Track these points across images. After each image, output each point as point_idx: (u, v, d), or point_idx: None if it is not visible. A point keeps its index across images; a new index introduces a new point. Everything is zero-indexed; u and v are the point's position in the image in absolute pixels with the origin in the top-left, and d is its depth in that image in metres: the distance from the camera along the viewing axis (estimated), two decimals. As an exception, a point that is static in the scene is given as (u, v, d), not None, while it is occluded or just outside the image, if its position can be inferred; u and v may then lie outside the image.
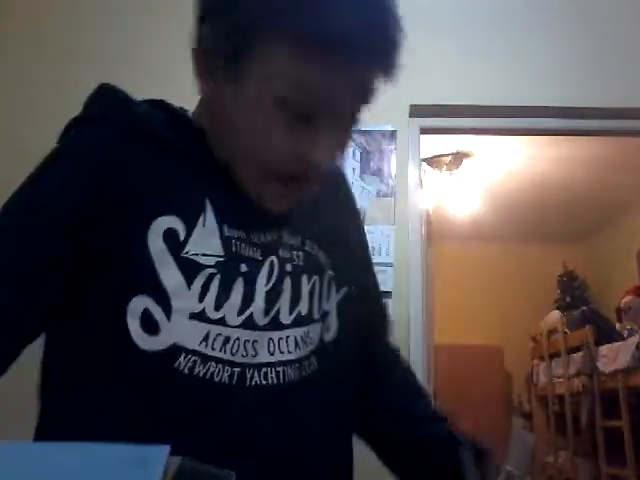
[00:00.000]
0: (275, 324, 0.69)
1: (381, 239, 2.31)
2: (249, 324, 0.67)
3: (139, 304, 0.64)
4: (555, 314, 5.14)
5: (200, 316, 0.65)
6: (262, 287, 0.69)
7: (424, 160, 3.21)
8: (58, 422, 0.66)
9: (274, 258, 0.71)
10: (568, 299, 5.77)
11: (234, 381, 0.65)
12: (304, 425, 0.70)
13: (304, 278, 0.74)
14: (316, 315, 0.75)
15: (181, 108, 0.77)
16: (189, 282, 0.65)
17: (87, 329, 0.66)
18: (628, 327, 4.25)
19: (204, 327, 0.65)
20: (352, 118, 0.69)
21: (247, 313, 0.67)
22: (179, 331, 0.64)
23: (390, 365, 0.92)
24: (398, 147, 2.40)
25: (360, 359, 0.82)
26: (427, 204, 3.01)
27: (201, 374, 0.64)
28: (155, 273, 0.64)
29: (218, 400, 0.64)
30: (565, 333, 4.63)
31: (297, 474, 0.68)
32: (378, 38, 0.64)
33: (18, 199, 0.68)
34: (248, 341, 0.67)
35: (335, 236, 0.82)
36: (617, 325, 4.49)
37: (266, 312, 0.69)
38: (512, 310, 5.75)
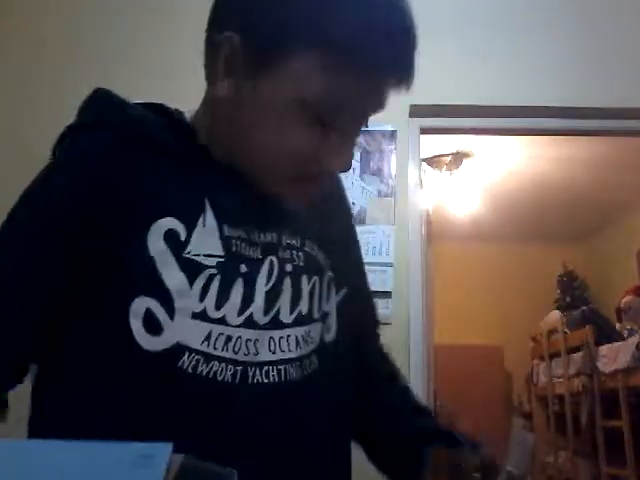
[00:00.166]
0: (276, 323, 0.70)
1: (381, 239, 2.31)
2: (250, 323, 0.68)
3: (141, 305, 0.64)
4: (555, 314, 5.14)
5: (202, 316, 0.65)
6: (262, 287, 0.70)
7: (424, 160, 3.22)
8: (56, 422, 0.66)
9: (274, 258, 0.72)
10: (568, 299, 5.77)
11: (237, 380, 0.65)
12: (305, 423, 0.70)
13: (304, 278, 0.74)
14: (316, 315, 0.75)
15: (176, 110, 0.78)
16: (191, 282, 0.66)
17: (88, 331, 0.67)
18: (628, 327, 4.25)
19: (206, 326, 0.65)
20: (363, 122, 0.72)
21: (247, 313, 0.68)
22: (182, 330, 0.64)
23: (379, 366, 0.93)
24: (398, 147, 2.40)
25: (354, 360, 0.83)
26: (427, 204, 3.01)
27: (204, 373, 0.64)
28: (157, 274, 0.65)
29: (221, 398, 0.65)
30: (565, 333, 4.63)
31: (298, 472, 0.69)
32: (403, 54, 0.68)
33: (18, 211, 0.69)
34: (250, 340, 0.67)
35: (333, 237, 0.83)
36: (617, 325, 4.49)
37: (266, 311, 0.69)
38: (512, 310, 5.75)
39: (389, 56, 0.66)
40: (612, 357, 3.96)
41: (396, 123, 2.39)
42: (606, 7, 2.50)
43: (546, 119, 2.48)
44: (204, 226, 0.68)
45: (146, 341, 0.64)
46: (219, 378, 0.64)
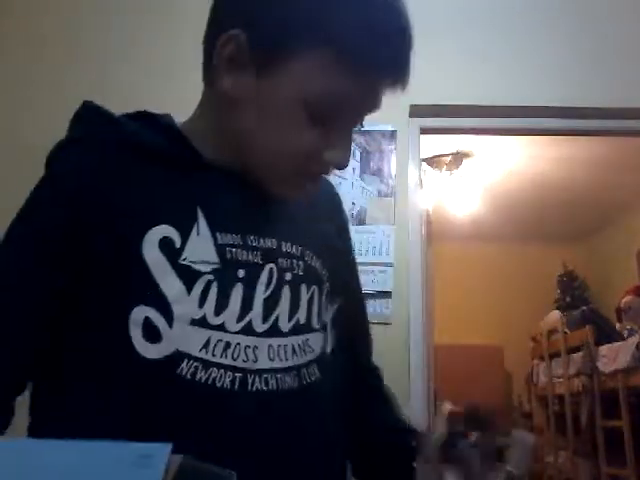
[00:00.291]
0: (274, 331, 0.70)
1: (381, 239, 2.31)
2: (248, 330, 0.68)
3: (140, 314, 0.64)
4: (555, 314, 5.13)
5: (201, 322, 0.66)
6: (260, 294, 0.70)
7: (424, 160, 3.22)
8: (56, 425, 0.66)
9: (273, 266, 0.72)
10: (568, 299, 5.77)
11: (236, 386, 0.65)
12: (303, 432, 0.70)
13: (303, 287, 0.75)
14: (316, 325, 0.76)
15: (165, 115, 0.78)
16: (189, 288, 0.66)
17: (89, 337, 0.67)
18: (628, 327, 4.24)
19: (205, 333, 0.65)
20: (360, 121, 0.74)
21: (246, 319, 0.68)
22: (181, 338, 0.65)
23: (369, 380, 0.93)
24: (398, 147, 2.40)
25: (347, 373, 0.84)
26: (427, 204, 3.01)
27: (203, 379, 0.64)
28: (154, 282, 0.65)
29: (220, 405, 0.65)
30: (565, 333, 4.63)
31: (294, 478, 0.69)
32: (400, 54, 0.70)
33: (14, 226, 0.71)
34: (249, 347, 0.67)
35: (331, 249, 0.83)
36: (617, 325, 4.49)
37: (264, 319, 0.70)
38: (512, 310, 5.75)
39: (388, 56, 0.68)
40: (612, 357, 3.96)
41: (396, 123, 2.39)
42: (606, 7, 2.50)
43: (546, 119, 2.48)
44: (198, 234, 0.68)
45: (145, 349, 0.64)
46: (218, 384, 0.64)
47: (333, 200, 0.93)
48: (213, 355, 0.65)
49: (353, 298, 0.92)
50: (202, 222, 0.69)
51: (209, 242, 0.69)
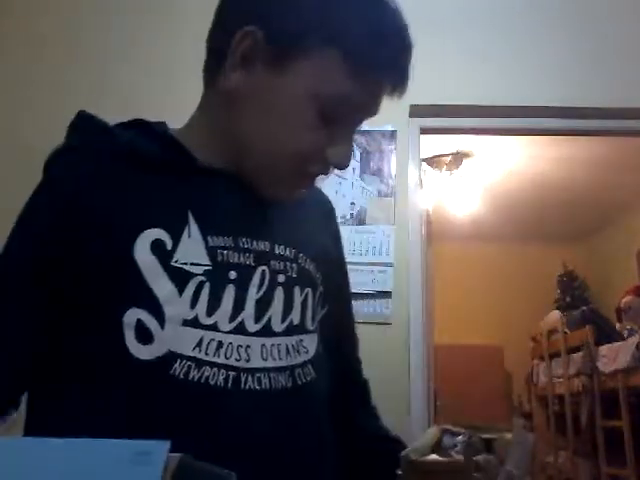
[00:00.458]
0: (266, 331, 0.71)
1: (381, 239, 2.31)
2: (240, 330, 0.69)
3: (133, 316, 0.66)
4: (555, 314, 5.13)
5: (193, 322, 0.66)
6: (253, 295, 0.71)
7: (424, 160, 3.22)
8: (52, 425, 0.66)
9: (266, 268, 0.73)
10: (568, 299, 5.77)
11: (229, 384, 0.66)
12: (298, 432, 0.71)
13: (297, 289, 0.76)
14: (310, 326, 0.77)
15: (158, 122, 0.79)
16: (180, 290, 0.67)
17: (85, 339, 0.68)
18: (628, 327, 4.24)
19: (197, 333, 0.66)
20: (360, 124, 0.76)
21: (238, 319, 0.69)
22: (173, 338, 0.65)
23: (352, 387, 0.93)
24: (398, 147, 2.40)
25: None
26: (427, 204, 3.01)
27: (196, 378, 0.65)
28: (146, 284, 0.66)
29: (214, 403, 0.65)
30: (565, 333, 4.63)
31: (290, 477, 0.69)
32: (405, 61, 0.73)
33: (13, 233, 0.72)
34: (241, 346, 0.68)
35: (325, 254, 0.85)
36: (617, 325, 4.48)
37: (257, 319, 0.70)
38: (512, 310, 5.75)
39: (389, 60, 0.70)
40: (612, 357, 3.96)
41: (396, 123, 2.39)
42: (606, 7, 2.50)
43: (546, 119, 2.48)
44: (189, 237, 0.69)
45: (138, 350, 0.65)
46: (211, 382, 0.65)
47: (326, 208, 0.95)
48: (206, 354, 0.66)
49: (343, 302, 0.93)
50: (193, 225, 0.70)
51: (200, 245, 0.69)
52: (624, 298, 4.53)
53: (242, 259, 0.71)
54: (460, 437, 0.68)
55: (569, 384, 4.45)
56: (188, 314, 0.66)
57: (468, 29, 2.48)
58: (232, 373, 0.66)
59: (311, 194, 0.91)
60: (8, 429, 0.68)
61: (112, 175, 0.72)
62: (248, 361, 0.68)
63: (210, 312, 0.67)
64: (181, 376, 0.64)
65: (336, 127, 0.72)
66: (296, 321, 0.74)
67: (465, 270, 5.84)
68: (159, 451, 0.29)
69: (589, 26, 2.49)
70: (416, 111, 2.41)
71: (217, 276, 0.69)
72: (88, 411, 0.65)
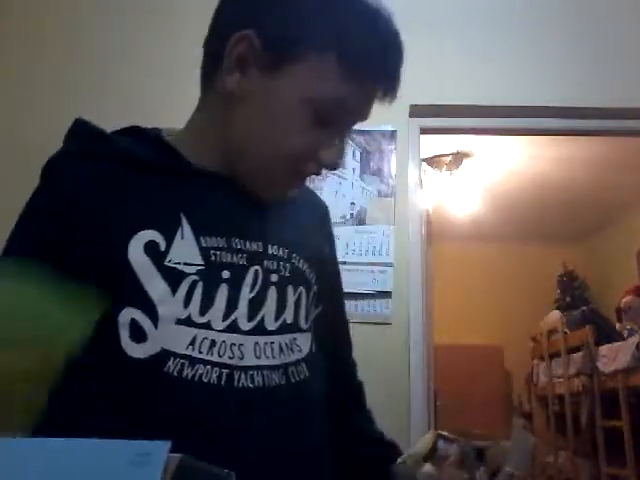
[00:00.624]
0: (260, 330, 0.72)
1: (381, 239, 2.31)
2: (233, 328, 0.70)
3: (127, 316, 0.67)
4: (555, 314, 5.13)
5: (186, 321, 0.67)
6: (246, 294, 0.72)
7: (424, 160, 3.22)
8: (49, 427, 0.66)
9: (258, 268, 0.74)
10: (568, 299, 5.77)
11: (222, 382, 0.67)
12: (291, 429, 0.71)
13: (290, 288, 0.77)
14: (304, 325, 0.78)
15: (153, 128, 0.81)
16: (174, 289, 0.68)
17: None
18: (628, 327, 4.25)
19: (190, 331, 0.67)
20: (352, 127, 0.78)
21: (232, 318, 0.70)
22: (166, 337, 0.67)
23: (349, 384, 0.94)
24: (398, 147, 2.40)
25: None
26: (427, 204, 3.01)
27: (189, 376, 0.66)
28: (140, 284, 0.67)
29: (208, 400, 0.66)
30: (565, 333, 4.63)
31: (287, 476, 0.70)
32: (397, 67, 0.75)
33: (13, 234, 0.73)
34: (234, 344, 0.69)
35: (319, 255, 0.86)
36: (617, 325, 4.49)
37: (250, 318, 0.71)
38: (512, 310, 5.74)
39: (382, 65, 0.73)
40: (612, 357, 3.96)
41: (396, 123, 2.39)
42: (606, 7, 2.50)
43: (546, 119, 2.48)
44: (182, 238, 0.71)
45: (132, 349, 0.66)
46: (205, 380, 0.66)
47: (321, 210, 0.95)
48: (199, 352, 0.67)
49: (337, 304, 0.94)
50: (186, 226, 0.71)
51: (193, 245, 0.71)
52: (624, 298, 4.53)
53: (235, 259, 0.72)
54: (454, 446, 0.69)
55: (569, 384, 4.45)
56: (181, 313, 0.67)
57: (468, 29, 2.48)
58: (225, 371, 0.67)
59: (305, 196, 0.92)
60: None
61: (110, 178, 0.73)
62: (242, 359, 0.69)
63: (203, 311, 0.68)
64: (175, 374, 0.65)
65: (329, 129, 0.73)
66: (289, 320, 0.75)
67: (465, 270, 5.84)
68: (159, 452, 0.29)
69: (589, 26, 2.49)
70: (416, 111, 2.40)
71: (210, 276, 0.70)
72: (85, 409, 0.66)
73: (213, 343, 0.67)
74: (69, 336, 0.64)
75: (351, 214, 2.32)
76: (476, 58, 2.44)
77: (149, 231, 0.69)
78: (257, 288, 0.73)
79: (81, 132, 0.78)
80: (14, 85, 2.44)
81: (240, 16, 0.74)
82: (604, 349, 4.12)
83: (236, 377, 0.68)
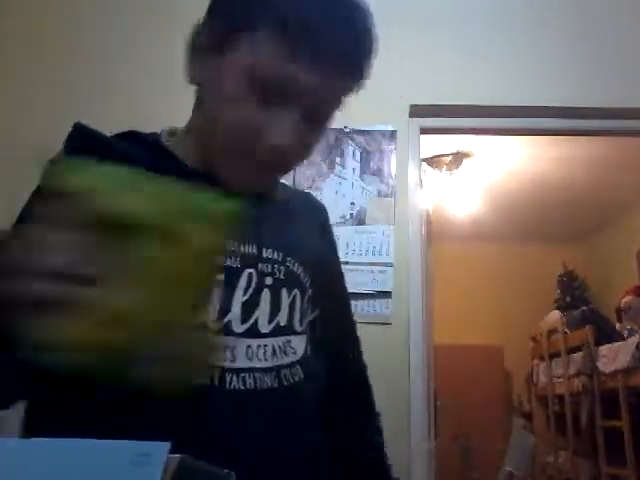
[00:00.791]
0: (253, 332, 0.72)
1: (381, 239, 2.31)
2: (226, 330, 0.70)
3: None
4: (555, 314, 5.14)
5: None
6: (239, 297, 0.72)
7: (424, 160, 3.21)
8: (49, 427, 0.66)
9: (253, 271, 0.74)
10: (568, 299, 5.77)
11: (215, 382, 0.67)
12: (284, 432, 0.71)
13: (284, 291, 0.77)
14: (298, 327, 0.77)
15: (151, 133, 0.81)
16: None
17: None
18: (628, 327, 4.25)
19: None
20: (320, 115, 0.73)
21: (224, 320, 0.70)
22: None
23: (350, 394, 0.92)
24: (398, 147, 2.40)
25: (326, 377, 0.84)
26: (427, 204, 3.01)
27: None
28: None
29: (199, 400, 0.65)
30: (565, 333, 4.63)
31: (280, 475, 0.70)
32: (355, 49, 0.70)
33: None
34: (227, 347, 0.69)
35: (317, 258, 0.85)
36: (617, 325, 4.49)
37: (243, 321, 0.71)
38: (512, 310, 5.75)
39: (333, 46, 0.68)
40: (612, 357, 3.97)
41: (396, 123, 2.39)
42: (606, 7, 2.50)
43: (546, 119, 2.48)
44: None
45: None
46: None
47: (320, 213, 0.95)
48: None
49: (339, 304, 0.93)
50: None
51: None
52: (624, 298, 4.53)
53: (229, 262, 0.72)
54: None
55: (569, 384, 4.45)
56: None
57: (468, 29, 2.48)
58: (217, 372, 0.67)
59: (302, 199, 0.92)
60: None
61: None
62: (233, 361, 0.69)
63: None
64: None
65: (280, 110, 0.70)
66: (283, 322, 0.75)
67: (465, 270, 5.84)
68: (159, 452, 0.29)
69: (589, 26, 2.49)
70: (416, 111, 2.40)
71: None
72: (77, 410, 0.65)
73: None
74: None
75: (351, 214, 2.33)
76: (476, 58, 2.44)
77: None
78: (251, 291, 0.73)
79: (80, 135, 0.78)
80: (14, 85, 2.44)
81: (206, 10, 0.76)
82: (604, 349, 4.12)
83: (228, 379, 0.68)
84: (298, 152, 0.74)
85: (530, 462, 4.77)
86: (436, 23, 2.47)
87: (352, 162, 2.38)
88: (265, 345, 0.72)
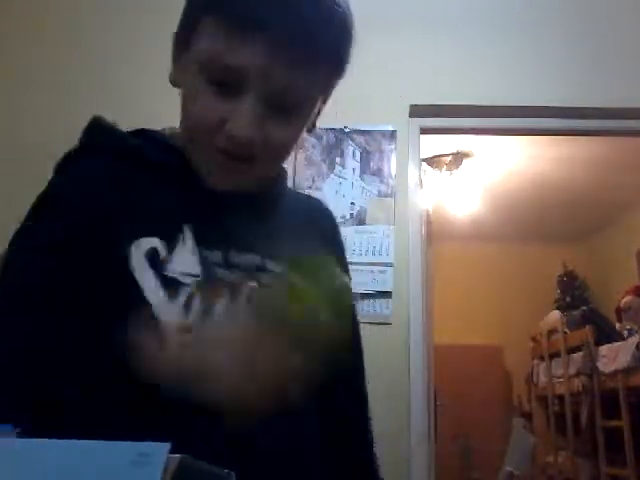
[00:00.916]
0: None
1: (381, 239, 2.31)
2: None
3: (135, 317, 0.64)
4: (555, 314, 5.14)
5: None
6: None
7: (424, 160, 3.21)
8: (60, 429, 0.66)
9: (254, 284, 0.72)
10: (568, 299, 5.77)
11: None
12: (297, 449, 0.72)
13: None
14: None
15: (159, 131, 0.81)
16: (172, 299, 0.67)
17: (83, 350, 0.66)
18: (628, 327, 4.25)
19: None
20: (287, 105, 0.70)
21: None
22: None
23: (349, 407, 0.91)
24: (398, 147, 2.40)
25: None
26: (427, 204, 3.01)
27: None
28: (140, 291, 0.66)
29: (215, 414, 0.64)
30: (565, 333, 4.63)
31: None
32: (295, 26, 0.66)
33: (24, 230, 0.71)
34: None
35: (320, 269, 0.83)
36: (617, 325, 4.49)
37: None
38: (512, 310, 5.75)
39: (270, 23, 0.65)
40: (612, 357, 3.97)
41: (396, 123, 2.39)
42: (606, 7, 2.50)
43: (546, 119, 2.48)
44: (183, 248, 0.70)
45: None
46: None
47: (329, 227, 0.94)
48: None
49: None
50: (188, 236, 0.71)
51: (194, 257, 0.70)
52: (624, 298, 4.53)
53: (229, 275, 0.71)
54: None
55: (569, 384, 4.45)
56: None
57: (468, 29, 2.48)
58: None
59: (313, 207, 0.91)
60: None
61: (121, 179, 0.73)
62: None
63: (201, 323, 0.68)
64: None
65: (237, 99, 0.68)
66: None
67: (465, 270, 5.84)
68: (159, 452, 0.29)
69: (589, 26, 2.49)
70: (416, 111, 2.41)
71: (206, 290, 0.69)
72: (97, 417, 0.64)
73: None
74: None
75: (351, 214, 2.33)
76: (476, 58, 2.45)
77: (151, 238, 0.69)
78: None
79: (96, 129, 0.78)
80: (14, 85, 2.44)
81: None
82: (604, 349, 4.13)
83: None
84: (267, 144, 0.70)
85: (530, 462, 4.77)
86: (436, 23, 2.47)
87: (352, 162, 2.38)
88: None
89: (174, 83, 0.76)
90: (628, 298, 4.49)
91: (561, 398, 4.65)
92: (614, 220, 5.62)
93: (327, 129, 2.33)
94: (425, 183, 2.79)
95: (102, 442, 0.31)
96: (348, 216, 2.33)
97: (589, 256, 6.07)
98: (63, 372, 0.65)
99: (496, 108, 2.43)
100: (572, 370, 4.43)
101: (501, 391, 5.74)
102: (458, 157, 4.38)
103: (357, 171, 2.38)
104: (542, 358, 5.07)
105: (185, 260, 0.69)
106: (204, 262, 0.70)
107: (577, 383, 4.32)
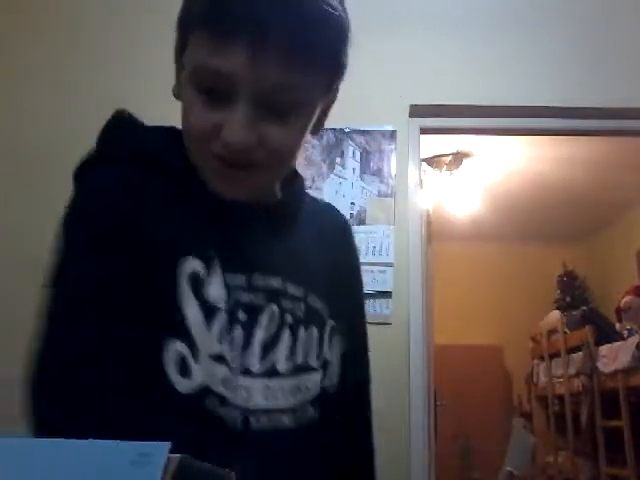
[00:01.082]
0: (270, 372, 0.71)
1: (381, 239, 2.31)
2: (245, 371, 0.69)
3: (172, 349, 0.65)
4: (555, 314, 5.14)
5: (218, 358, 0.67)
6: (260, 336, 0.71)
7: (424, 160, 3.21)
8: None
9: (275, 307, 0.73)
10: (568, 299, 5.77)
11: (238, 423, 0.67)
12: (300, 472, 0.71)
13: (302, 329, 0.76)
14: (314, 364, 0.76)
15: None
16: (209, 324, 0.67)
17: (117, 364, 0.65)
18: (628, 327, 4.25)
19: (222, 369, 0.67)
20: (280, 107, 0.69)
21: (243, 359, 0.69)
22: (205, 372, 0.66)
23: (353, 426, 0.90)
24: (398, 147, 2.40)
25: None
26: (427, 204, 3.01)
27: (221, 414, 0.66)
28: (182, 314, 0.66)
29: (228, 440, 0.66)
30: (565, 333, 4.64)
31: None
32: (272, 25, 0.65)
33: (71, 248, 0.69)
34: (244, 387, 0.68)
35: (338, 288, 0.83)
36: (617, 325, 4.49)
37: (261, 360, 0.70)
38: (512, 310, 5.75)
39: (244, 24, 0.65)
40: (612, 357, 3.97)
41: (396, 123, 2.39)
42: (606, 7, 2.50)
43: (546, 119, 2.48)
44: (215, 271, 0.70)
45: (180, 384, 0.65)
46: (229, 422, 0.66)
47: (345, 235, 0.92)
48: (226, 390, 0.67)
49: (355, 339, 0.90)
50: (215, 261, 0.70)
51: (221, 282, 0.70)
52: (624, 298, 4.54)
53: (252, 299, 0.71)
54: None
55: (569, 384, 4.45)
56: (217, 349, 0.67)
57: (468, 29, 2.48)
58: (239, 412, 0.67)
59: (329, 219, 0.90)
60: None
61: (148, 190, 0.71)
62: (251, 401, 0.68)
63: (230, 349, 0.68)
64: (210, 409, 0.65)
65: (227, 106, 0.68)
66: (300, 360, 0.74)
67: (465, 270, 5.84)
68: (159, 452, 0.29)
69: (589, 26, 2.49)
70: (416, 111, 2.40)
71: (231, 314, 0.69)
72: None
73: (234, 384, 0.67)
74: None
75: (351, 214, 2.33)
76: (476, 58, 2.44)
77: (193, 260, 0.68)
78: (272, 329, 0.72)
79: (118, 123, 0.77)
80: (14, 85, 2.44)
81: None
82: (604, 349, 4.13)
83: (252, 420, 0.68)
84: (265, 146, 0.69)
85: (530, 462, 4.76)
86: (436, 23, 2.47)
87: (352, 162, 2.38)
88: (282, 386, 0.71)
89: (177, 97, 0.75)
90: (628, 298, 4.49)
91: (561, 398, 4.66)
92: (614, 220, 5.62)
93: (327, 129, 2.33)
94: (425, 183, 2.79)
95: (102, 442, 0.31)
96: (348, 216, 2.33)
97: (589, 256, 6.07)
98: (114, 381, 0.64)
99: (496, 108, 2.43)
100: (572, 370, 4.43)
101: (501, 391, 5.74)
102: (458, 157, 4.38)
103: (357, 171, 2.38)
104: (542, 358, 5.07)
105: (217, 285, 0.69)
106: (228, 286, 0.70)
107: (577, 383, 4.32)
